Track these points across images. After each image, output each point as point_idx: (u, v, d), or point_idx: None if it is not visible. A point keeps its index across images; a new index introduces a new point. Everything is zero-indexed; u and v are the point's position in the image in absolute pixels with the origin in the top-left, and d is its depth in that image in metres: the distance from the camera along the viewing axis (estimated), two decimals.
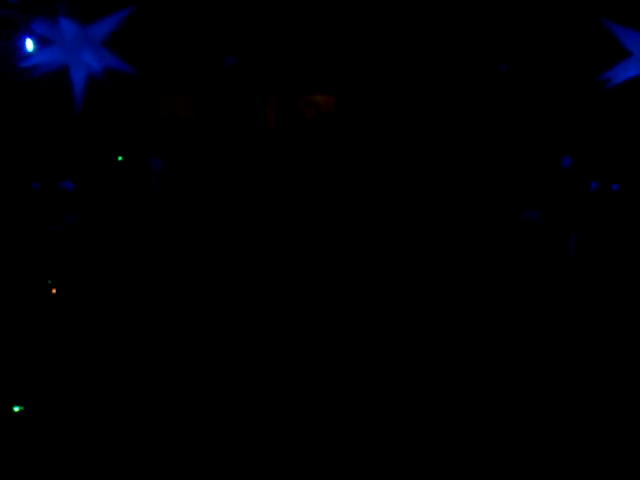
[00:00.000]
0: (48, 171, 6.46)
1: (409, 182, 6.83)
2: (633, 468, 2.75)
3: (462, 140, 6.99)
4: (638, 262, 4.81)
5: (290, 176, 7.02)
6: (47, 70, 6.83)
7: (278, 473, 2.89)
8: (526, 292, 4.87)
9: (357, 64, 7.37)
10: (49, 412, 3.52)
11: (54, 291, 5.13)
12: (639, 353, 3.83)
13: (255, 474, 2.85)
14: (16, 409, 3.65)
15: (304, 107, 7.64)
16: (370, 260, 5.81)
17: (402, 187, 6.77)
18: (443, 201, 6.46)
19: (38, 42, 6.84)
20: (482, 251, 5.66)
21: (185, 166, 6.64)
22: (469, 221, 6.12)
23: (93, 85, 6.86)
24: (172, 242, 6.28)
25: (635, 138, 6.28)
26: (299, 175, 6.99)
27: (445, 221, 6.22)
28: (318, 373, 3.73)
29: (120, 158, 6.28)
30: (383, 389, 3.61)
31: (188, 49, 6.99)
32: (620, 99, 6.65)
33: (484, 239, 5.77)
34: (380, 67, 7.51)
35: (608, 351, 4.05)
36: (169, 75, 7.04)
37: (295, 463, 2.94)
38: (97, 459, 2.86)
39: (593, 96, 6.83)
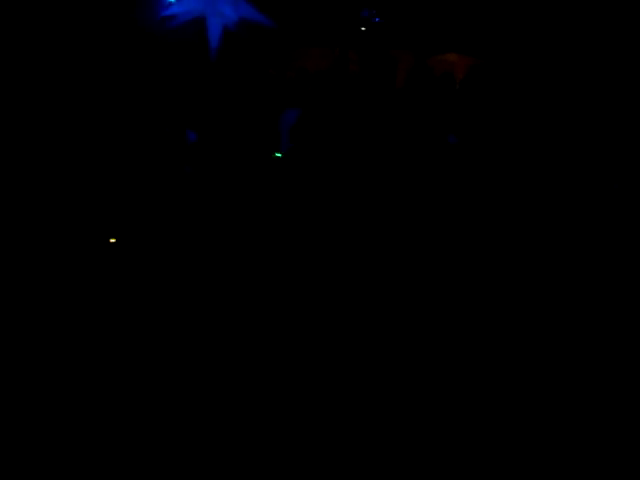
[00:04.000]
0: (179, 119, 6.55)
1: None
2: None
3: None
4: None
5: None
6: (185, 19, 6.94)
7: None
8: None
9: (498, 23, 7.08)
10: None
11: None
12: None
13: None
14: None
15: (436, 66, 7.45)
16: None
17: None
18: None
19: None
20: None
21: (316, 118, 6.57)
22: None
23: (228, 35, 6.92)
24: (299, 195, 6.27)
25: None
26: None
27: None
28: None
29: None
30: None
31: (324, 1, 6.93)
32: None
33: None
34: (523, 28, 7.18)
35: None
36: (303, 27, 7.01)
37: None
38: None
39: None
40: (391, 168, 6.45)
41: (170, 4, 6.86)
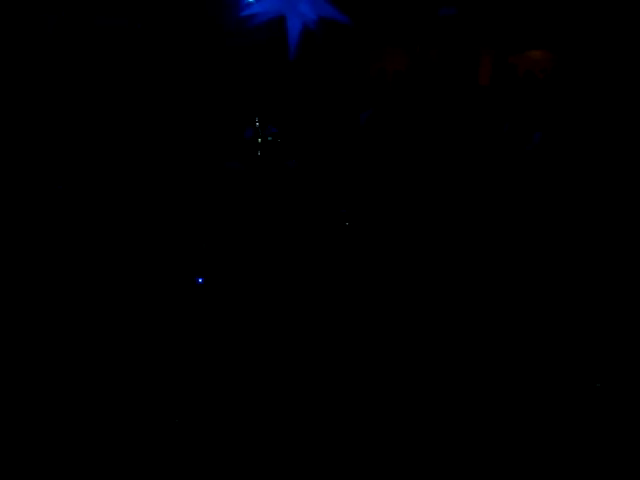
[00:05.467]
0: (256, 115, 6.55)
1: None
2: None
3: None
4: None
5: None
6: (265, 19, 6.95)
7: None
8: None
9: (582, 19, 6.84)
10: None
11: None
12: None
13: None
14: None
15: (520, 63, 7.25)
16: None
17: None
18: None
19: None
20: None
21: (394, 117, 6.49)
22: None
23: (307, 34, 6.89)
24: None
25: None
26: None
27: None
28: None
29: None
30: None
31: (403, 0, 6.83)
32: None
33: None
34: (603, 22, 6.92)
35: None
36: (383, 26, 6.92)
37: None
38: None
39: None
40: (472, 166, 6.31)
41: (250, 4, 6.90)
